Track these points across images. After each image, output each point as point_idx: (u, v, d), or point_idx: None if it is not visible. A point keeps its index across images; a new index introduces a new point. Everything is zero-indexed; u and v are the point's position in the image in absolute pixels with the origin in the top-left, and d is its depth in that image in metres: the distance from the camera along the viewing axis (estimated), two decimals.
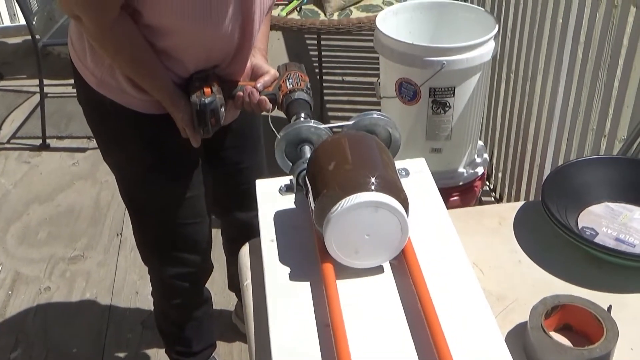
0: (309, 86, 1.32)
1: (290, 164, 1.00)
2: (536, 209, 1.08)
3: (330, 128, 1.01)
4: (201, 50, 1.30)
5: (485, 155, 2.27)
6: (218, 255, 1.96)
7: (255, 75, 1.38)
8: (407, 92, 1.97)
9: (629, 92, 1.69)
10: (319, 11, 2.40)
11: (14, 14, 4.13)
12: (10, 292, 2.32)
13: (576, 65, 1.90)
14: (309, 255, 0.89)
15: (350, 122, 1.00)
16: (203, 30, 1.25)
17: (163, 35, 1.25)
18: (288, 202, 1.00)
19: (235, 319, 2.11)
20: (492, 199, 2.61)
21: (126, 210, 1.57)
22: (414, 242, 0.88)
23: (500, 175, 2.55)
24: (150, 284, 1.72)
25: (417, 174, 1.04)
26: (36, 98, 3.32)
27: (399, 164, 1.03)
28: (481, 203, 2.38)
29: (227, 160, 1.60)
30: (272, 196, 1.02)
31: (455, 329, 0.77)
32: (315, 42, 3.24)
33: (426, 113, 1.98)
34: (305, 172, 0.92)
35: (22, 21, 3.67)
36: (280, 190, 1.02)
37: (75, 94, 1.43)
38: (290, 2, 2.41)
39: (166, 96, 1.31)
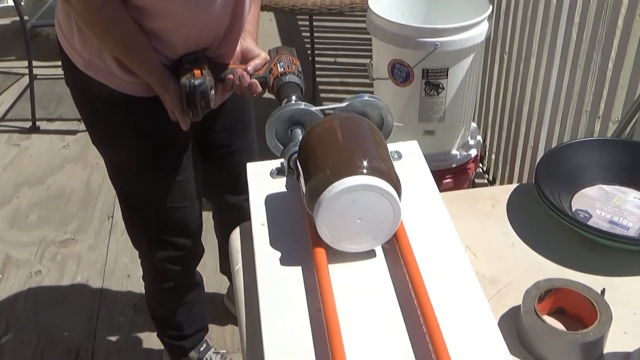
0: (300, 69, 1.31)
1: (282, 147, 0.99)
2: (529, 192, 1.07)
3: (322, 110, 1.00)
4: (191, 32, 1.28)
5: (479, 137, 2.26)
6: (210, 238, 1.95)
7: (245, 58, 1.37)
8: (399, 73, 1.95)
9: (624, 73, 1.68)
10: None
11: None
12: (0, 276, 2.31)
13: (570, 47, 1.89)
14: (300, 239, 0.88)
15: (342, 105, 0.99)
16: (193, 11, 1.23)
17: (152, 17, 1.23)
18: (279, 185, 0.99)
19: (227, 302, 2.11)
20: (486, 180, 2.61)
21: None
22: (407, 226, 0.87)
23: (493, 157, 2.54)
24: (141, 268, 1.71)
25: (409, 157, 1.04)
26: (25, 80, 3.29)
27: (391, 147, 1.03)
28: (474, 185, 2.38)
29: (217, 143, 1.58)
30: (263, 179, 1.01)
31: (448, 313, 0.76)
32: (308, 23, 3.22)
33: (419, 95, 1.97)
34: (296, 155, 0.91)
35: (10, 2, 3.63)
36: (271, 174, 1.01)
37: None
38: None
39: (155, 78, 1.29)
